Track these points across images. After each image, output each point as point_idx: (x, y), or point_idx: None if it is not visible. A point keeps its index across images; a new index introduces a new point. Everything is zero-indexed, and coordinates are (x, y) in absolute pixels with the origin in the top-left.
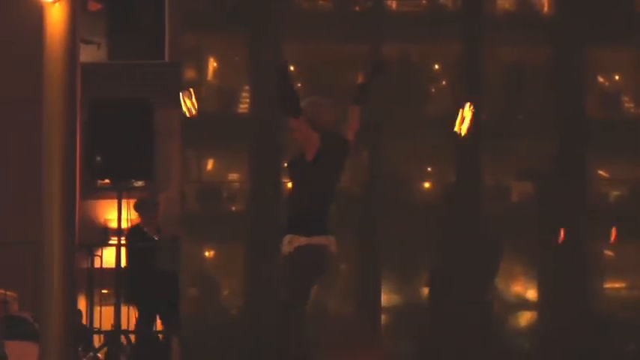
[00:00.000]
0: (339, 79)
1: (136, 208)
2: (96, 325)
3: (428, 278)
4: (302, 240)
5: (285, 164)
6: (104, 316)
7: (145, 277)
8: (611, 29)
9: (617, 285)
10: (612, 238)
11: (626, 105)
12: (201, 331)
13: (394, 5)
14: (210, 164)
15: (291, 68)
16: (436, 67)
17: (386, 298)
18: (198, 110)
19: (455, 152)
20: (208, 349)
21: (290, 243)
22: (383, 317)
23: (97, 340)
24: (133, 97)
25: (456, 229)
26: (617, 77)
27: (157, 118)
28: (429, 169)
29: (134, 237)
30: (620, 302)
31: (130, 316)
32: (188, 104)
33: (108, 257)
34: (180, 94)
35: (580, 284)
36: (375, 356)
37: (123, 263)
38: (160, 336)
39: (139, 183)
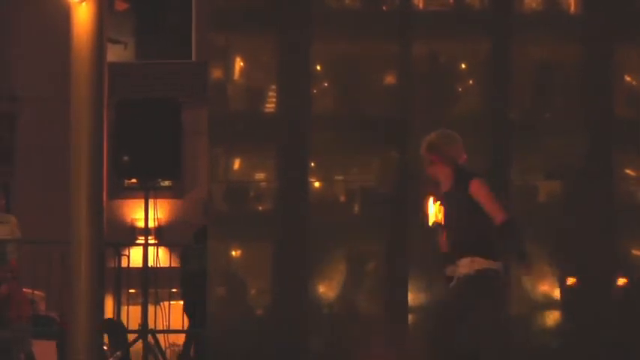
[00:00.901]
0: (366, 78)
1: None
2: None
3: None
4: (483, 262)
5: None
6: (131, 316)
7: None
8: (637, 28)
9: None
10: None
11: None
12: (228, 330)
13: (421, 4)
14: (237, 164)
15: (318, 67)
16: (464, 66)
17: (413, 298)
18: (226, 109)
19: (484, 151)
20: (235, 348)
21: (471, 264)
22: (410, 317)
23: None
24: (160, 96)
25: None
26: None
27: (184, 117)
28: None
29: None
30: None
31: (156, 316)
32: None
33: (135, 257)
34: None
35: (608, 282)
36: (404, 356)
37: (150, 262)
38: None
39: (166, 183)
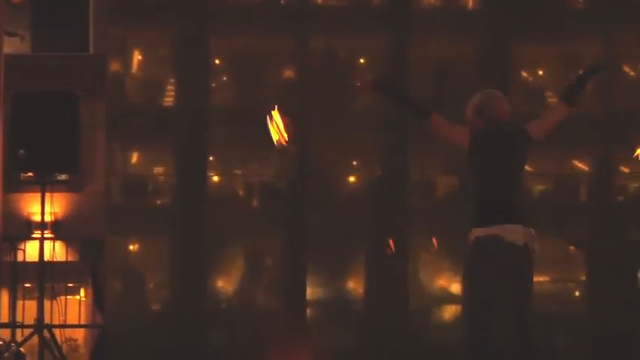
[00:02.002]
0: (264, 73)
1: None
2: (19, 319)
3: (355, 272)
4: (479, 231)
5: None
6: (27, 310)
7: None
8: (537, 24)
9: (541, 279)
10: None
11: (550, 100)
12: (127, 325)
13: None
14: (135, 157)
15: (217, 62)
16: (362, 61)
17: (311, 292)
18: (123, 103)
19: (383, 146)
20: (133, 343)
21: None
22: (308, 312)
23: (19, 335)
24: (58, 89)
25: (383, 223)
26: (540, 72)
27: (81, 110)
28: (355, 163)
29: None
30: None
31: (52, 310)
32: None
33: (31, 251)
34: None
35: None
36: (302, 351)
37: (47, 257)
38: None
39: (63, 176)
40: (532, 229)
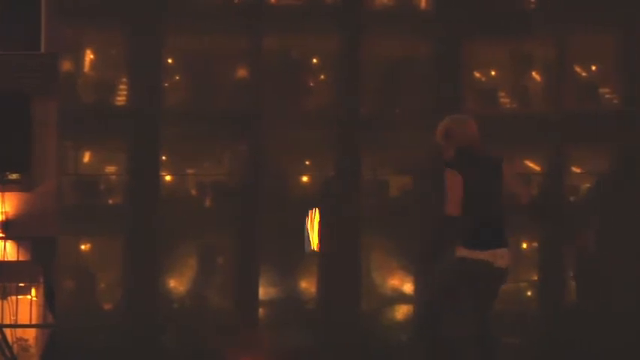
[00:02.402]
0: (217, 72)
1: None
2: None
3: (307, 272)
4: (469, 252)
5: None
6: None
7: None
8: (489, 24)
9: None
10: None
11: (502, 100)
12: (79, 324)
13: None
14: (87, 157)
15: (170, 61)
16: (315, 60)
17: (263, 292)
18: (76, 102)
19: (334, 146)
20: (85, 343)
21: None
22: (261, 311)
23: None
24: (8, 88)
25: (335, 222)
26: (493, 73)
27: (33, 109)
28: (308, 163)
29: None
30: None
31: (3, 310)
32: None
33: None
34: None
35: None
36: (255, 351)
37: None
38: None
39: (15, 176)
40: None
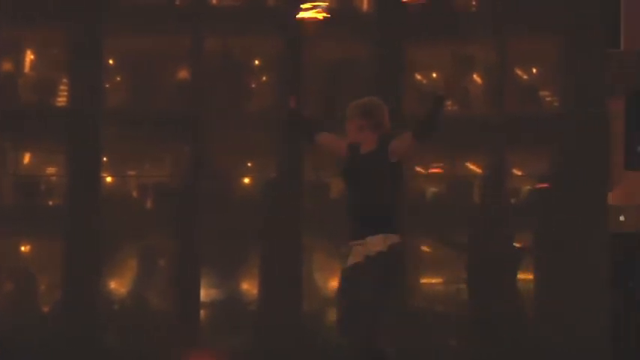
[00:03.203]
0: (159, 73)
1: None
2: None
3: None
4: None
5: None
6: None
7: None
8: (430, 27)
9: (433, 280)
10: None
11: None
12: (18, 326)
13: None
14: (27, 157)
15: (110, 62)
16: (257, 62)
17: (204, 294)
18: (15, 102)
19: (276, 147)
20: (24, 344)
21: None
22: (202, 312)
23: None
24: None
25: (276, 224)
26: (434, 75)
27: None
28: (250, 164)
29: None
30: (437, 297)
31: None
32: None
33: None
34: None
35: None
36: (195, 352)
37: None
38: None
39: None
40: (396, 235)
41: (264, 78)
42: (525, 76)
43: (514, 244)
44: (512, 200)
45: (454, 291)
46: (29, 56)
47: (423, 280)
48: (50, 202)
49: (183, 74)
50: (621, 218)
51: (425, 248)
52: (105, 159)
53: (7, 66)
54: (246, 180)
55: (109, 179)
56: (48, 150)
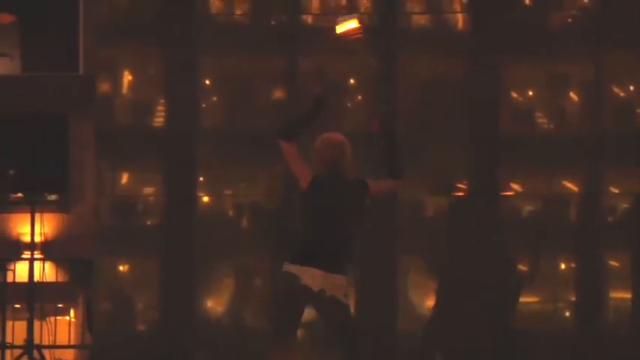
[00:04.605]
0: (254, 93)
1: None
2: (8, 339)
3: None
4: (286, 265)
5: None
6: (17, 331)
7: None
8: (524, 45)
9: (530, 299)
10: None
11: (539, 120)
12: (115, 346)
13: (310, 20)
14: (124, 178)
15: (207, 82)
16: (352, 81)
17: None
18: (113, 123)
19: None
20: None
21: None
22: (299, 332)
23: (9, 355)
24: (47, 109)
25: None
26: (530, 93)
27: (71, 130)
28: None
29: None
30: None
31: (42, 331)
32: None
33: (20, 271)
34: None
35: (497, 298)
36: None
37: (36, 277)
38: None
39: (53, 197)
40: (345, 277)
41: (358, 97)
42: (622, 93)
43: (609, 262)
44: (609, 218)
45: (553, 310)
46: (126, 77)
47: (521, 299)
48: (148, 222)
49: (277, 94)
50: None
51: (523, 267)
52: (201, 179)
53: (105, 87)
54: None
55: (205, 199)
56: (145, 170)
